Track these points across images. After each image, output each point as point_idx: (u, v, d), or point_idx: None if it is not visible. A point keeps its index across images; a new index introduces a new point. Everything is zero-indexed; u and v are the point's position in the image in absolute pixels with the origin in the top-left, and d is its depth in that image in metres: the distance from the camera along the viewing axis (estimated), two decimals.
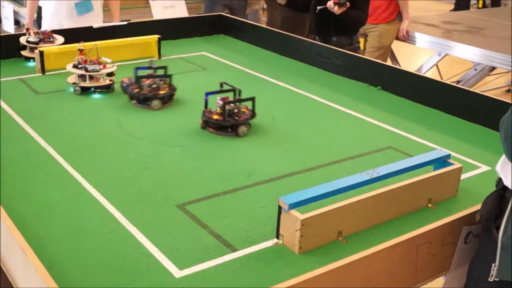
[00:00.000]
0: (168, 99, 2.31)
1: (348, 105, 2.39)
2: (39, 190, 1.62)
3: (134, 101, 2.29)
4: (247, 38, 3.27)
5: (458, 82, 4.57)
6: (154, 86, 2.28)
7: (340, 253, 1.35)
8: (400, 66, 4.46)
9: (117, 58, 2.80)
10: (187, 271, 1.30)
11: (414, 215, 1.55)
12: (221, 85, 2.12)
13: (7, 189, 1.61)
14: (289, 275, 1.24)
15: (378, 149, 1.98)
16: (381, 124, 2.21)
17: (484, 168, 1.87)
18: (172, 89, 2.33)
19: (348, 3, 3.09)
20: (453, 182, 1.65)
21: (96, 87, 2.40)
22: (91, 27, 2.92)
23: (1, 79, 2.42)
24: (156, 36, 2.89)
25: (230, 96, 2.07)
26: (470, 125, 2.23)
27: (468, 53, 4.02)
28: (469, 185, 1.73)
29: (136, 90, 2.27)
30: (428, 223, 1.38)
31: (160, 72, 2.35)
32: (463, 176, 1.69)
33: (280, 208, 1.38)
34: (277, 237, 1.41)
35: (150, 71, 2.32)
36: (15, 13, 4.16)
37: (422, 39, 4.28)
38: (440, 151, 1.71)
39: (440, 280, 1.52)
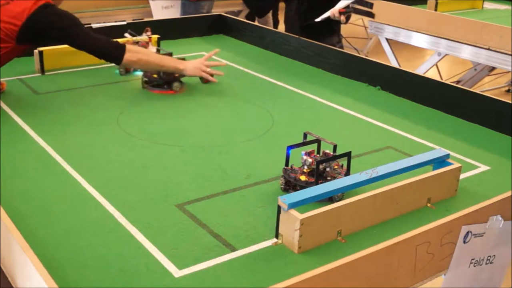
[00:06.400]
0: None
1: (347, 105, 2.39)
2: (39, 190, 1.63)
3: (150, 86, 2.45)
4: (246, 38, 3.28)
5: (458, 82, 4.56)
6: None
7: (339, 253, 1.35)
8: (400, 66, 4.45)
9: None
10: (186, 271, 1.30)
11: (413, 215, 1.55)
12: (305, 135, 1.72)
13: (7, 189, 1.61)
14: (288, 274, 1.24)
15: (377, 149, 1.98)
16: (380, 124, 2.21)
17: (483, 168, 1.87)
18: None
19: (352, 11, 2.88)
20: (452, 182, 1.65)
21: None
22: (90, 27, 2.92)
23: (1, 79, 2.42)
24: (155, 36, 2.89)
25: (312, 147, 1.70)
26: (469, 125, 2.23)
27: (468, 53, 4.01)
28: (468, 184, 1.73)
29: (155, 76, 2.42)
30: (427, 223, 1.38)
31: None
32: (462, 176, 1.69)
33: (279, 207, 1.38)
34: (276, 236, 1.41)
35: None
36: None
37: (422, 39, 4.28)
38: (439, 151, 1.71)
39: (439, 280, 1.52)
